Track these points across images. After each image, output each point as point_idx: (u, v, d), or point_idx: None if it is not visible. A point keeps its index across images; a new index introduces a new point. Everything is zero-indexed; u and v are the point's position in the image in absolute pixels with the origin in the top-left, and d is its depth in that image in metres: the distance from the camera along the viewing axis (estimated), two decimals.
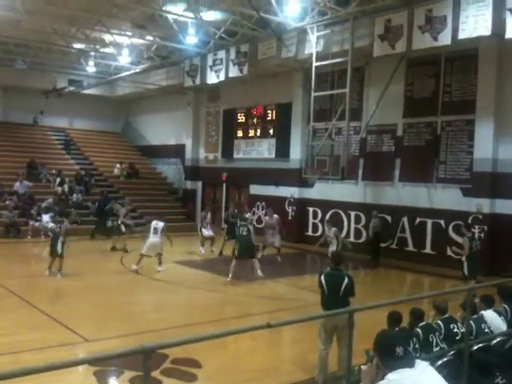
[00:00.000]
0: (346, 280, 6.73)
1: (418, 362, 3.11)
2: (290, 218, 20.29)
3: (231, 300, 11.61)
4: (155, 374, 6.27)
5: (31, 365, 2.77)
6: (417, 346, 5.45)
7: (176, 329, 8.52)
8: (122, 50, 22.03)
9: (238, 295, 11.80)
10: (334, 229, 14.86)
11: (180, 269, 14.88)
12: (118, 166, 26.41)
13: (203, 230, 17.61)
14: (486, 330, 6.04)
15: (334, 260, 7.20)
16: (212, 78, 21.19)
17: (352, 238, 17.94)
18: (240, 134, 23.26)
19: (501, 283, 7.44)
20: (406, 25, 14.71)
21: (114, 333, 8.60)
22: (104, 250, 17.23)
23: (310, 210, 19.83)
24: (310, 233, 19.88)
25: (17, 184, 21.89)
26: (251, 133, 22.73)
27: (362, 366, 3.87)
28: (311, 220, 19.77)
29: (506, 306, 6.69)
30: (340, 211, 18.70)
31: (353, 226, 18.37)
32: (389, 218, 17.26)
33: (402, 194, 17.05)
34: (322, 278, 6.89)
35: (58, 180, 23.34)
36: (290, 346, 9.03)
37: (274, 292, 12.40)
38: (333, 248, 13.87)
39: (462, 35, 13.55)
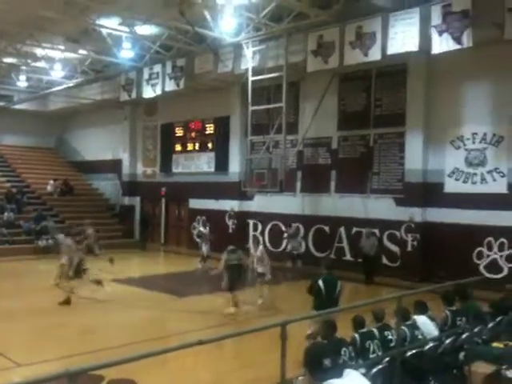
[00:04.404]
0: (339, 283, 7.68)
1: (347, 371, 3.19)
2: (230, 231, 20.30)
3: (170, 316, 11.45)
4: None
5: None
6: (352, 354, 5.57)
7: (114, 349, 8.29)
8: (54, 64, 21.44)
9: (177, 311, 11.66)
10: (260, 247, 13.05)
11: (119, 287, 14.53)
12: (51, 182, 25.56)
13: (203, 245, 17.78)
14: (420, 336, 6.24)
15: (327, 266, 8.21)
16: (148, 92, 21.01)
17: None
18: (178, 148, 23.10)
19: (459, 285, 7.59)
20: (338, 41, 15.19)
21: (49, 356, 8.28)
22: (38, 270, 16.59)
23: (251, 222, 19.93)
24: (250, 245, 19.88)
25: None
26: (190, 147, 22.64)
27: (299, 378, 3.92)
28: (252, 232, 19.86)
29: (447, 312, 6.93)
30: (280, 223, 18.91)
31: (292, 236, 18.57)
32: (326, 229, 17.61)
33: (338, 204, 17.45)
34: (320, 282, 7.61)
35: None
36: (231, 360, 9.00)
37: (212, 306, 12.34)
38: (263, 269, 12.42)
39: (390, 51, 14.15)
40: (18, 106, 26.56)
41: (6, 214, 21.88)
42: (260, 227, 19.56)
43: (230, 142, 20.85)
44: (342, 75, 17.30)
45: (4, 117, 26.71)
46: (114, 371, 5.89)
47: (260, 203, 19.65)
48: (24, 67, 22.51)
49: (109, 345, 8.63)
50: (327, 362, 3.06)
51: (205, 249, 17.55)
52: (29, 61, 21.46)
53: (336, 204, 17.52)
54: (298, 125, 18.62)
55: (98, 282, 12.81)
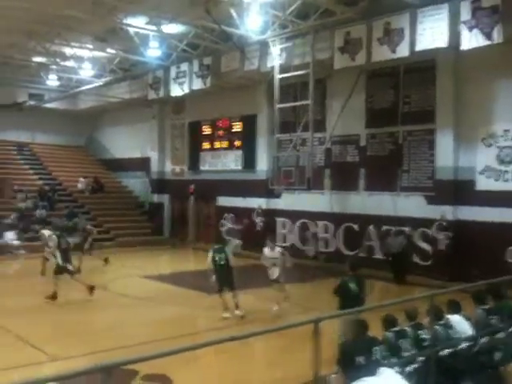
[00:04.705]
0: (364, 284, 7.80)
1: (382, 369, 3.17)
2: (258, 228, 20.33)
3: (200, 314, 11.53)
4: None
5: None
6: (384, 353, 5.52)
7: (144, 345, 8.41)
8: (83, 63, 21.77)
9: (207, 308, 11.73)
10: (277, 249, 11.80)
11: (149, 283, 14.71)
12: (81, 179, 26.01)
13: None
14: (454, 336, 6.14)
15: (351, 266, 8.19)
16: (176, 91, 21.17)
17: (323, 248, 18.23)
18: (206, 146, 23.26)
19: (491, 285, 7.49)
20: (365, 37, 15.05)
21: (80, 351, 8.44)
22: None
23: (278, 220, 19.92)
24: (279, 243, 19.89)
25: None
26: (217, 145, 22.77)
27: (332, 376, 3.91)
28: (280, 231, 19.82)
29: (480, 311, 6.81)
30: (308, 221, 18.86)
31: (321, 235, 18.51)
32: (355, 227, 17.49)
33: (367, 202, 17.31)
34: (350, 284, 7.70)
35: (21, 196, 22.83)
36: (260, 357, 9.03)
37: (243, 304, 12.37)
38: (276, 273, 11.33)
39: (419, 47, 13.94)
40: (48, 105, 27.01)
41: (38, 211, 22.36)
42: (288, 225, 19.52)
43: (257, 139, 20.88)
44: (369, 72, 17.14)
45: (35, 116, 27.23)
46: (145, 366, 6.02)
47: (287, 201, 19.61)
48: (54, 66, 22.90)
49: (138, 341, 8.76)
50: (360, 359, 3.05)
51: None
52: (58, 60, 21.82)
53: (365, 202, 17.38)
54: (326, 122, 18.52)
55: (91, 288, 12.34)
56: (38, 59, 21.92)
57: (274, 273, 11.26)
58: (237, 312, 10.86)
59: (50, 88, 25.85)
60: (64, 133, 29.24)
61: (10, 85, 25.78)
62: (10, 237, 19.71)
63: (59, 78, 24.51)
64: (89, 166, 28.69)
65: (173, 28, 17.83)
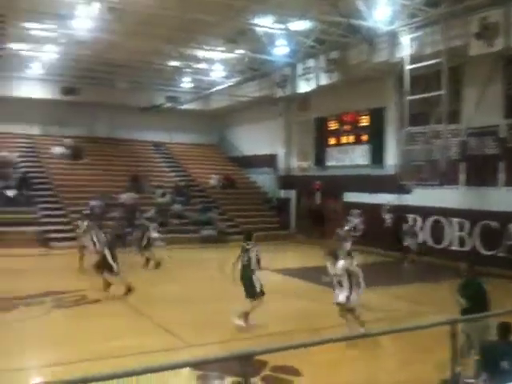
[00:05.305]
0: (485, 287, 7.20)
1: None
2: (387, 225, 19.80)
3: (326, 309, 11.52)
4: (255, 380, 6.38)
5: (136, 367, 2.96)
6: None
7: (272, 336, 8.62)
8: (214, 64, 22.78)
9: (332, 304, 11.68)
10: (341, 262, 9.49)
11: (275, 277, 15.01)
12: (213, 176, 27.28)
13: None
14: None
15: (471, 270, 7.57)
16: (303, 87, 21.33)
17: (456, 247, 17.29)
18: (332, 141, 23.16)
19: None
20: (504, 22, 13.97)
21: (214, 339, 8.86)
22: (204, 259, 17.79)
23: (409, 217, 19.21)
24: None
25: (123, 196, 23.20)
26: (343, 140, 22.56)
27: (469, 380, 3.72)
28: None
29: None
30: (441, 218, 17.96)
31: (456, 233, 17.56)
32: (494, 225, 16.32)
33: (507, 198, 16.05)
34: (475, 284, 7.21)
35: (160, 192, 24.49)
36: (388, 357, 8.79)
37: (369, 302, 12.16)
38: (344, 293, 9.21)
39: None
40: (183, 107, 28.67)
41: (175, 205, 23.84)
42: (419, 222, 18.77)
43: (385, 133, 20.35)
44: (507, 58, 15.85)
45: (172, 117, 29.13)
46: (276, 357, 6.15)
47: (418, 197, 18.81)
48: (187, 69, 24.24)
49: (265, 332, 8.97)
50: (505, 364, 2.86)
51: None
52: (191, 63, 23.05)
53: (505, 198, 16.12)
54: (460, 113, 17.47)
55: (129, 289, 11.92)
56: (173, 63, 23.33)
57: (342, 295, 9.14)
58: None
59: (184, 90, 27.42)
60: (197, 132, 30.92)
61: (149, 89, 27.83)
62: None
63: (192, 80, 25.91)
64: (220, 163, 30.00)
65: (299, 25, 17.97)
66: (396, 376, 7.41)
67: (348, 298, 9.07)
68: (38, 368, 7.77)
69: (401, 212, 19.42)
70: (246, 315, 9.61)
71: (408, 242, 17.54)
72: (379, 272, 15.81)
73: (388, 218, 19.87)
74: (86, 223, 15.98)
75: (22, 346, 8.37)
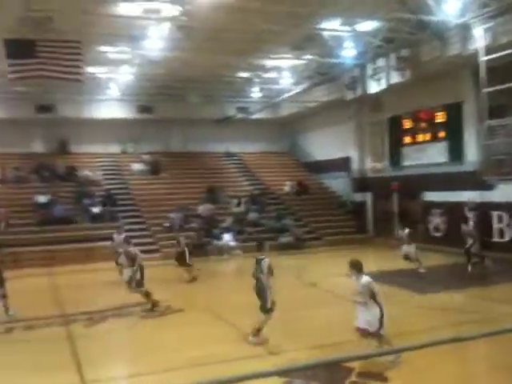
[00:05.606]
0: None
1: None
2: (471, 223, 18.96)
3: (410, 313, 11.22)
4: None
5: (220, 376, 3.02)
6: None
7: (351, 343, 8.46)
8: (282, 72, 22.90)
9: (417, 308, 11.37)
10: (365, 278, 8.06)
11: (349, 280, 14.78)
12: (287, 183, 27.36)
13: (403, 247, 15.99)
14: None
15: None
16: (373, 88, 21.01)
17: None
18: (407, 140, 22.60)
19: None
20: None
21: (297, 346, 8.85)
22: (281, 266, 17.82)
23: (494, 214, 18.32)
24: (496, 239, 18.36)
25: (200, 207, 23.78)
26: (419, 138, 21.96)
27: None
28: (496, 225, 18.24)
29: None
30: None
31: None
32: None
33: None
34: None
35: (235, 201, 24.88)
36: (479, 361, 8.43)
37: (453, 303, 11.74)
38: (367, 317, 7.79)
39: None
40: (254, 116, 29.03)
41: (250, 214, 24.12)
42: (505, 219, 17.86)
43: (463, 128, 19.60)
44: None
45: (243, 127, 29.60)
46: (362, 364, 6.07)
47: (503, 192, 17.91)
48: (256, 79, 24.53)
49: (345, 338, 8.77)
50: None
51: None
52: (260, 73, 23.30)
53: None
54: None
55: (155, 304, 12.02)
56: (242, 74, 23.69)
57: (366, 319, 7.72)
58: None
59: (254, 100, 27.77)
60: (268, 140, 31.18)
61: (220, 101, 28.42)
62: (228, 238, 21.64)
63: (261, 90, 26.18)
64: (293, 169, 30.05)
65: (366, 25, 17.72)
66: (489, 381, 7.10)
67: (369, 322, 7.64)
68: (134, 376, 8.10)
69: (485, 209, 18.57)
70: (257, 331, 9.13)
71: (469, 243, 16.20)
72: (463, 273, 15.26)
73: (471, 216, 19.02)
74: (183, 240, 16.06)
75: (111, 357, 8.79)
